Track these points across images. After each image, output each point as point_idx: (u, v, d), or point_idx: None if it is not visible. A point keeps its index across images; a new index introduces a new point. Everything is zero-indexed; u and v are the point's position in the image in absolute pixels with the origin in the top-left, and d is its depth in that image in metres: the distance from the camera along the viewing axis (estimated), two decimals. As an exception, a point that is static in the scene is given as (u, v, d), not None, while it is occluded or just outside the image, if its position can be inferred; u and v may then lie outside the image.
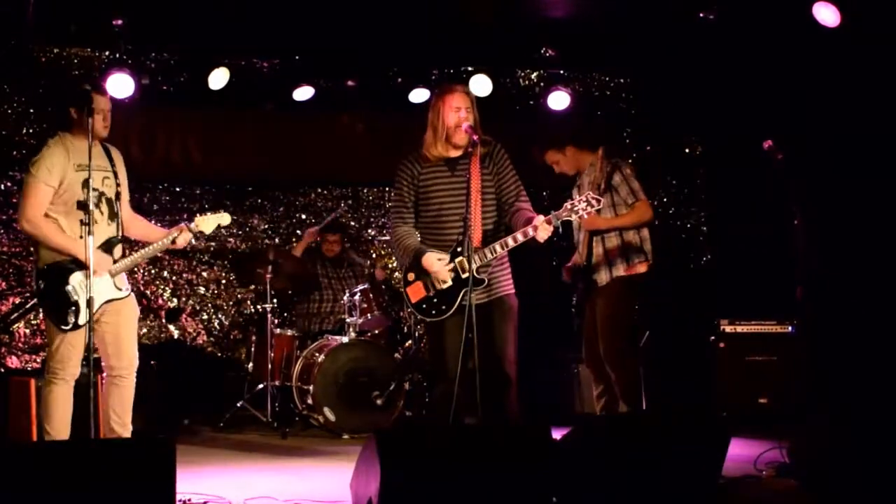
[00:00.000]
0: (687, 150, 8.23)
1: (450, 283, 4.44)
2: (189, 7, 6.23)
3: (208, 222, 4.91)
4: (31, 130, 7.22)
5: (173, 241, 4.80)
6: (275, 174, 7.85)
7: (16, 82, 7.15)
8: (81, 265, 4.50)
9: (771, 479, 4.57)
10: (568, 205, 4.33)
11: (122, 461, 3.37)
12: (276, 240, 7.92)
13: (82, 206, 4.49)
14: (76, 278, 4.57)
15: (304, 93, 7.37)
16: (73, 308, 4.56)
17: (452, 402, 4.30)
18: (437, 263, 4.45)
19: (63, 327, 4.57)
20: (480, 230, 4.45)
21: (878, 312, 6.20)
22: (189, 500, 4.19)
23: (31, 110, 7.22)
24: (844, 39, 5.83)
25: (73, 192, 4.56)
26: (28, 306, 6.86)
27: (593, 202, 4.31)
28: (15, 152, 7.18)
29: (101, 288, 4.61)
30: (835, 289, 6.03)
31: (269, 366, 6.60)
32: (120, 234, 4.74)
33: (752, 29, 6.29)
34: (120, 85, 6.52)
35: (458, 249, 4.45)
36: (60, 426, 4.64)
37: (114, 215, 4.71)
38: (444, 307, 4.46)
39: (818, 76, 6.38)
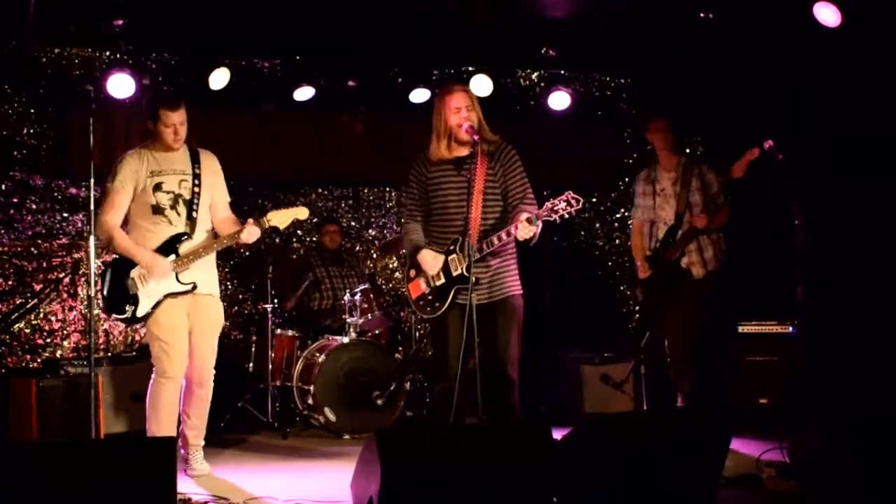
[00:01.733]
0: (687, 150, 8.23)
1: (443, 279, 4.48)
2: (189, 7, 6.23)
3: (283, 217, 4.88)
4: (31, 131, 7.21)
5: (238, 236, 4.80)
6: (275, 174, 7.84)
7: (16, 82, 7.15)
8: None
9: (771, 479, 4.57)
10: (549, 204, 4.32)
11: (123, 461, 3.38)
12: (277, 240, 7.92)
13: (156, 210, 4.76)
14: (136, 271, 4.75)
15: (304, 93, 7.37)
16: (132, 300, 4.74)
17: (453, 400, 4.32)
18: (430, 261, 4.53)
19: (116, 315, 4.78)
20: (478, 229, 4.46)
21: (878, 312, 6.19)
22: (190, 499, 4.19)
23: (32, 111, 7.21)
24: (845, 39, 5.83)
25: (146, 196, 4.76)
26: (29, 306, 6.87)
27: (573, 202, 4.29)
28: (15, 152, 7.18)
29: (162, 281, 4.75)
30: (835, 289, 6.03)
31: (270, 366, 6.60)
32: (195, 231, 4.83)
33: (753, 29, 6.29)
34: (120, 85, 6.52)
35: (452, 248, 4.49)
36: (166, 425, 4.79)
37: (190, 215, 4.82)
38: (437, 304, 4.52)
39: (818, 76, 6.37)
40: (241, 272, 7.54)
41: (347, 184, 8.13)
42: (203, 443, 5.03)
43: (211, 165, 4.97)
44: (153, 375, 4.81)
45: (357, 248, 8.07)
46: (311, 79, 7.37)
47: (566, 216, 4.31)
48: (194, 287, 4.79)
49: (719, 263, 5.98)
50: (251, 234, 4.78)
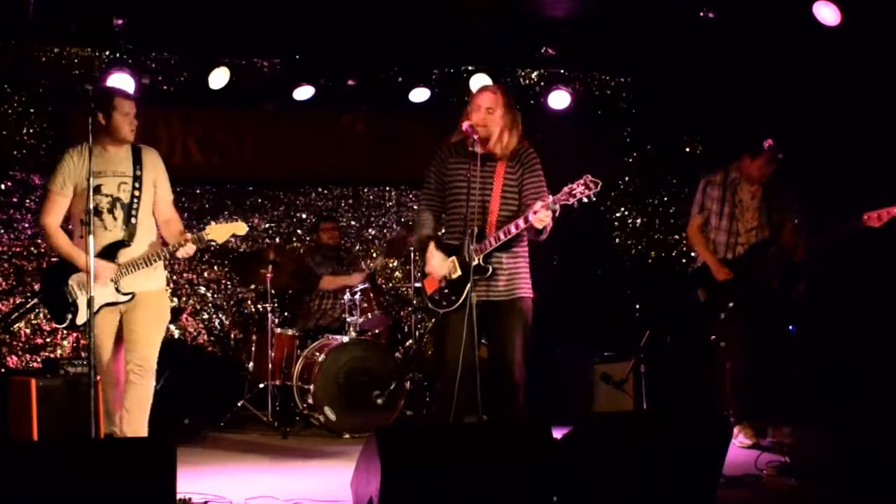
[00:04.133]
0: (687, 150, 8.24)
1: (459, 272, 4.46)
2: (189, 7, 6.23)
3: (221, 231, 4.77)
4: (31, 130, 7.22)
5: (176, 251, 4.70)
6: (275, 174, 7.85)
7: (16, 82, 7.15)
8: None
9: (771, 479, 4.57)
10: (566, 189, 4.25)
11: (123, 461, 3.38)
12: (277, 239, 7.93)
13: (94, 212, 4.56)
14: (75, 278, 4.66)
15: (304, 92, 7.37)
16: (72, 307, 4.66)
17: (453, 400, 4.30)
18: (437, 264, 4.50)
19: (59, 324, 4.72)
20: (495, 227, 4.44)
21: (878, 313, 6.20)
22: (190, 499, 4.19)
23: (32, 110, 7.22)
24: (845, 38, 5.83)
25: (84, 198, 4.57)
26: (29, 306, 6.87)
27: (591, 185, 4.21)
28: (15, 152, 7.19)
29: (100, 291, 4.59)
30: (835, 289, 6.03)
31: (270, 365, 6.60)
32: (134, 237, 4.70)
33: (753, 28, 6.29)
34: (120, 85, 6.51)
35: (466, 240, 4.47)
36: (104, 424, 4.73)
37: (128, 220, 4.69)
38: (453, 297, 4.45)
39: (818, 75, 6.37)
40: (240, 272, 7.54)
41: (347, 183, 8.14)
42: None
43: (153, 163, 4.83)
44: (91, 379, 4.58)
45: (357, 247, 8.07)
46: (311, 78, 7.37)
47: (585, 200, 4.23)
48: (132, 297, 4.70)
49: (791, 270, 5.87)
50: (188, 250, 4.70)
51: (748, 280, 5.68)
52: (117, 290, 4.68)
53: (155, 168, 4.84)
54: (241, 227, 4.84)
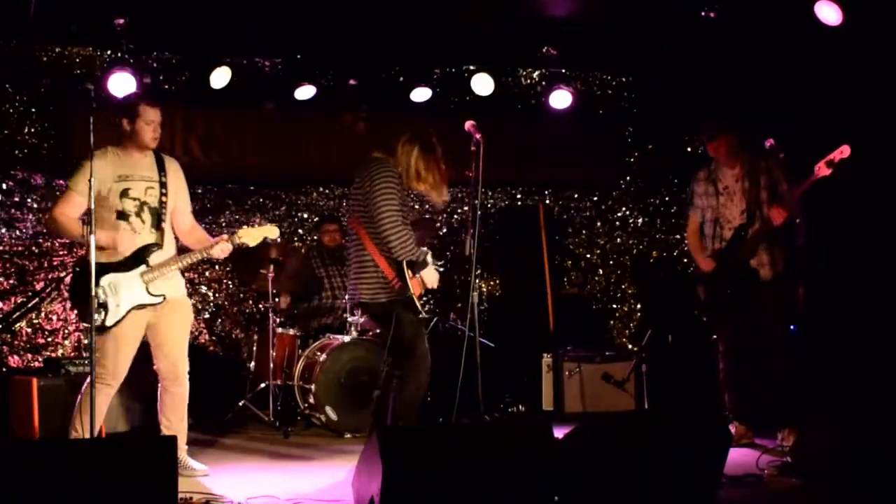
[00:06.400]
0: (688, 149, 8.23)
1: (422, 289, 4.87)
2: (190, 6, 6.24)
3: (253, 235, 4.88)
4: (32, 130, 7.22)
5: (210, 251, 4.79)
6: (276, 173, 7.85)
7: (17, 81, 7.15)
8: (113, 267, 4.64)
9: (772, 479, 4.58)
10: None
11: (124, 460, 3.38)
12: (278, 239, 7.91)
13: (121, 215, 4.65)
14: (106, 279, 4.64)
15: (305, 92, 7.37)
16: (103, 308, 4.62)
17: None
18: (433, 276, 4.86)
19: (88, 324, 4.60)
20: None
21: (878, 312, 6.20)
22: (191, 498, 4.20)
23: (33, 110, 7.22)
24: (846, 38, 5.83)
25: (112, 200, 4.66)
26: (30, 305, 6.88)
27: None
28: (17, 151, 7.19)
29: (131, 292, 4.66)
30: (835, 289, 6.03)
31: (271, 365, 6.60)
32: (164, 241, 4.76)
33: (754, 27, 6.29)
34: (122, 84, 6.52)
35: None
36: (89, 430, 4.64)
37: (158, 224, 4.74)
38: (424, 305, 4.84)
39: (819, 75, 6.37)
40: (242, 271, 7.54)
41: (348, 183, 8.10)
42: (186, 446, 4.97)
43: (175, 172, 4.91)
44: (91, 378, 4.58)
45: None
46: (312, 78, 7.37)
47: None
48: (164, 299, 4.74)
49: (790, 264, 5.55)
50: (223, 249, 4.81)
51: (733, 267, 5.52)
52: (148, 291, 4.69)
53: (178, 178, 4.92)
54: (273, 231, 5.00)
